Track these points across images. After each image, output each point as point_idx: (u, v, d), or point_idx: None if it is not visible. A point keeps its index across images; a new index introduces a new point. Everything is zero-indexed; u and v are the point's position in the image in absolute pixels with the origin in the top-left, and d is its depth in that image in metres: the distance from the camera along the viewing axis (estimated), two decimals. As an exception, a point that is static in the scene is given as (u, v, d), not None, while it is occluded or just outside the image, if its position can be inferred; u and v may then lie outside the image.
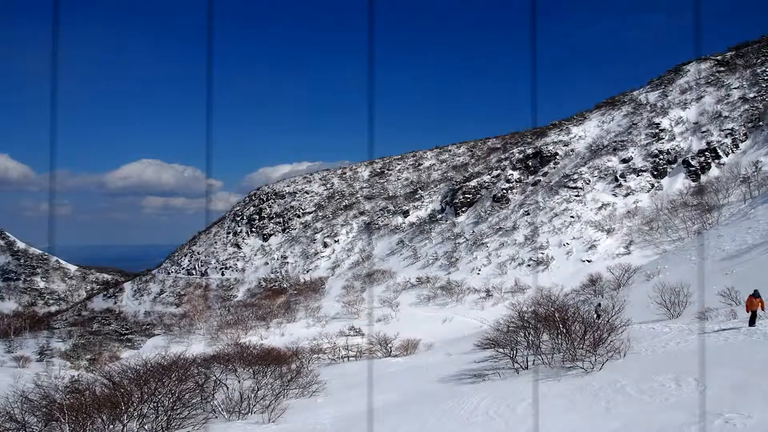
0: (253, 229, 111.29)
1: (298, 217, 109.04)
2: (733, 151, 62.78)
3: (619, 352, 13.26)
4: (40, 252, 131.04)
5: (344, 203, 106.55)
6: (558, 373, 13.20)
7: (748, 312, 15.94)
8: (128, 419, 12.72)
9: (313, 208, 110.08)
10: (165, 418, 12.96)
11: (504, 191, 77.09)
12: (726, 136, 63.85)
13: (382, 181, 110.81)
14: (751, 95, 67.33)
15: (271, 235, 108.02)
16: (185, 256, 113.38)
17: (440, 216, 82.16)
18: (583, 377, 12.29)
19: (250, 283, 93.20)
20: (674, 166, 65.57)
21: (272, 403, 15.40)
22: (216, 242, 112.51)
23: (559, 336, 14.99)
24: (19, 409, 13.64)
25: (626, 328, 15.26)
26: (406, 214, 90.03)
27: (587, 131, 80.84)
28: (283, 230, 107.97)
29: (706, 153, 63.69)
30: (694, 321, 17.95)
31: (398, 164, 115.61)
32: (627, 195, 64.49)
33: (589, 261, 54.89)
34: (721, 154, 62.91)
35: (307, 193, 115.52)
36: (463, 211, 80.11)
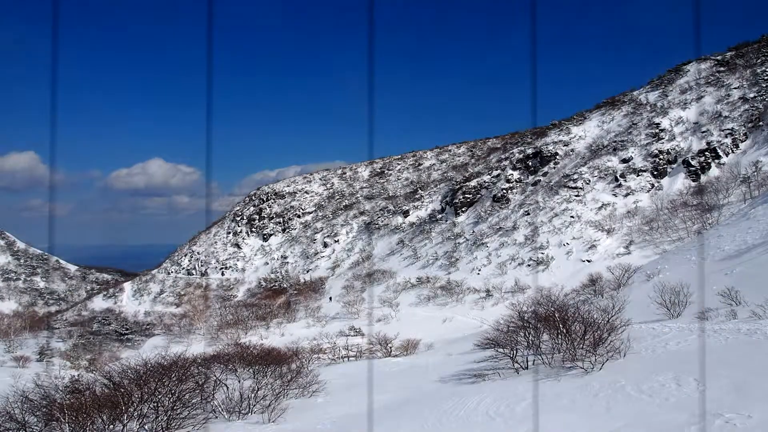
0: (253, 229, 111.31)
1: (298, 217, 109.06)
2: (733, 151, 62.76)
3: (619, 352, 13.26)
4: (40, 252, 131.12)
5: (344, 203, 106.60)
6: (558, 373, 13.20)
7: None
8: (128, 419, 12.73)
9: (313, 208, 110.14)
10: (165, 418, 12.97)
11: (504, 191, 77.09)
12: (726, 136, 63.83)
13: (382, 181, 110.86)
14: (751, 95, 67.31)
15: (271, 235, 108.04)
16: (185, 256, 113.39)
17: (440, 216, 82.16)
18: (583, 377, 12.29)
19: (250, 283, 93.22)
20: (674, 166, 65.56)
21: (272, 403, 15.40)
22: (216, 242, 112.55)
23: (559, 336, 14.99)
24: (19, 409, 13.64)
25: (626, 328, 15.25)
26: (406, 214, 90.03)
27: (587, 131, 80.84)
28: (283, 230, 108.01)
29: (706, 153, 63.68)
30: (694, 321, 17.94)
31: (398, 164, 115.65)
32: (627, 195, 64.47)
33: (589, 261, 54.89)
34: (721, 154, 62.90)
35: (307, 193, 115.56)
36: (463, 211, 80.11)
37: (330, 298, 64.31)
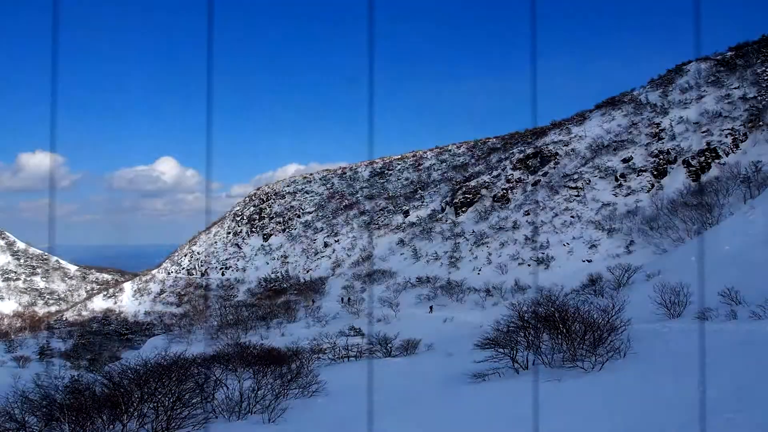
0: (254, 229, 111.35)
1: (299, 216, 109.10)
2: (733, 151, 62.73)
3: (619, 352, 13.26)
4: (40, 252, 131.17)
5: (344, 203, 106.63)
6: (558, 373, 13.20)
7: None
8: (128, 419, 12.72)
9: (314, 208, 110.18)
10: (165, 418, 12.96)
11: (504, 191, 77.09)
12: (726, 136, 63.82)
13: (382, 181, 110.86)
14: (751, 95, 67.31)
15: (271, 234, 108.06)
16: (185, 256, 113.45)
17: (440, 216, 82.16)
18: (583, 377, 12.29)
19: (250, 283, 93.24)
20: (674, 166, 65.54)
21: (272, 403, 15.39)
22: (216, 242, 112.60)
23: (559, 336, 14.99)
24: (19, 409, 13.63)
25: (626, 328, 15.25)
26: (406, 214, 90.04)
27: (587, 131, 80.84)
28: (284, 230, 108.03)
29: (706, 153, 63.66)
30: (694, 321, 17.93)
31: (398, 164, 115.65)
32: (627, 195, 64.46)
33: (589, 261, 54.85)
34: (721, 154, 62.87)
35: (307, 193, 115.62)
36: (463, 211, 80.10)
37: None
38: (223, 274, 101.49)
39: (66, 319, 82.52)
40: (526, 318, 17.52)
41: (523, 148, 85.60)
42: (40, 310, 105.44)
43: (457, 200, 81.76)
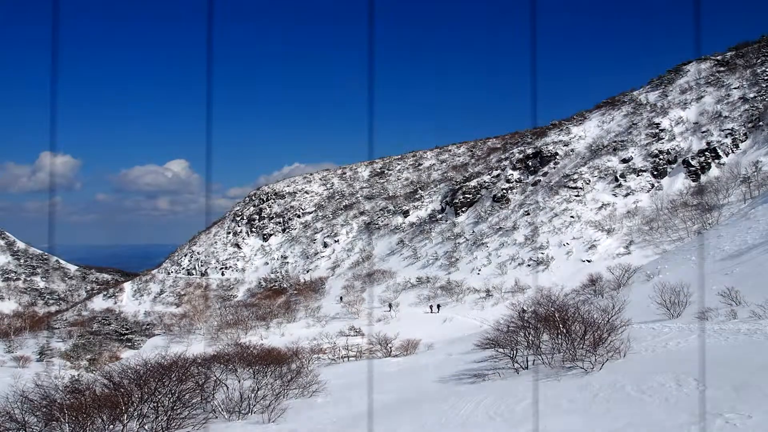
0: (253, 229, 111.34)
1: (298, 217, 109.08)
2: (733, 151, 62.76)
3: (619, 352, 13.26)
4: (40, 252, 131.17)
5: (344, 203, 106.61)
6: (558, 373, 13.20)
7: None
8: (128, 419, 12.72)
9: (313, 208, 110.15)
10: (165, 418, 12.96)
11: (504, 191, 77.08)
12: (726, 136, 63.83)
13: (382, 181, 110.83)
14: (751, 95, 67.29)
15: (271, 235, 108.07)
16: (185, 256, 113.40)
17: (440, 216, 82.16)
18: (583, 377, 12.30)
19: (250, 283, 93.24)
20: (674, 166, 65.56)
21: (272, 403, 15.39)
22: (216, 242, 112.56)
23: (559, 336, 14.99)
24: (19, 409, 13.63)
25: (626, 328, 15.25)
26: (406, 214, 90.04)
27: (587, 131, 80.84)
28: (283, 230, 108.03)
29: (706, 153, 63.68)
30: (694, 321, 17.93)
31: (398, 164, 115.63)
32: (627, 195, 64.48)
33: (589, 261, 54.88)
34: (721, 154, 62.90)
35: (307, 193, 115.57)
36: (463, 211, 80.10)
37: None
38: (222, 274, 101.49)
39: (66, 319, 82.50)
40: (526, 318, 17.53)
41: (523, 148, 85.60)
42: (40, 310, 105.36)
43: (456, 200, 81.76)
